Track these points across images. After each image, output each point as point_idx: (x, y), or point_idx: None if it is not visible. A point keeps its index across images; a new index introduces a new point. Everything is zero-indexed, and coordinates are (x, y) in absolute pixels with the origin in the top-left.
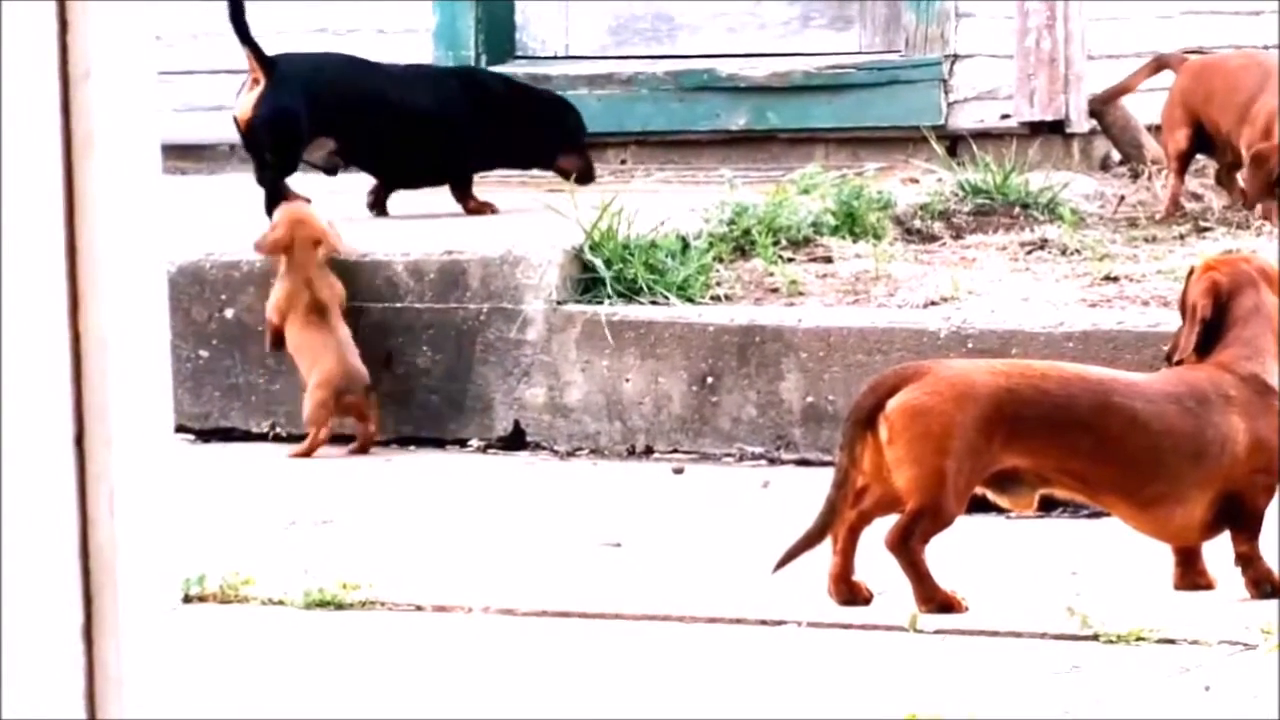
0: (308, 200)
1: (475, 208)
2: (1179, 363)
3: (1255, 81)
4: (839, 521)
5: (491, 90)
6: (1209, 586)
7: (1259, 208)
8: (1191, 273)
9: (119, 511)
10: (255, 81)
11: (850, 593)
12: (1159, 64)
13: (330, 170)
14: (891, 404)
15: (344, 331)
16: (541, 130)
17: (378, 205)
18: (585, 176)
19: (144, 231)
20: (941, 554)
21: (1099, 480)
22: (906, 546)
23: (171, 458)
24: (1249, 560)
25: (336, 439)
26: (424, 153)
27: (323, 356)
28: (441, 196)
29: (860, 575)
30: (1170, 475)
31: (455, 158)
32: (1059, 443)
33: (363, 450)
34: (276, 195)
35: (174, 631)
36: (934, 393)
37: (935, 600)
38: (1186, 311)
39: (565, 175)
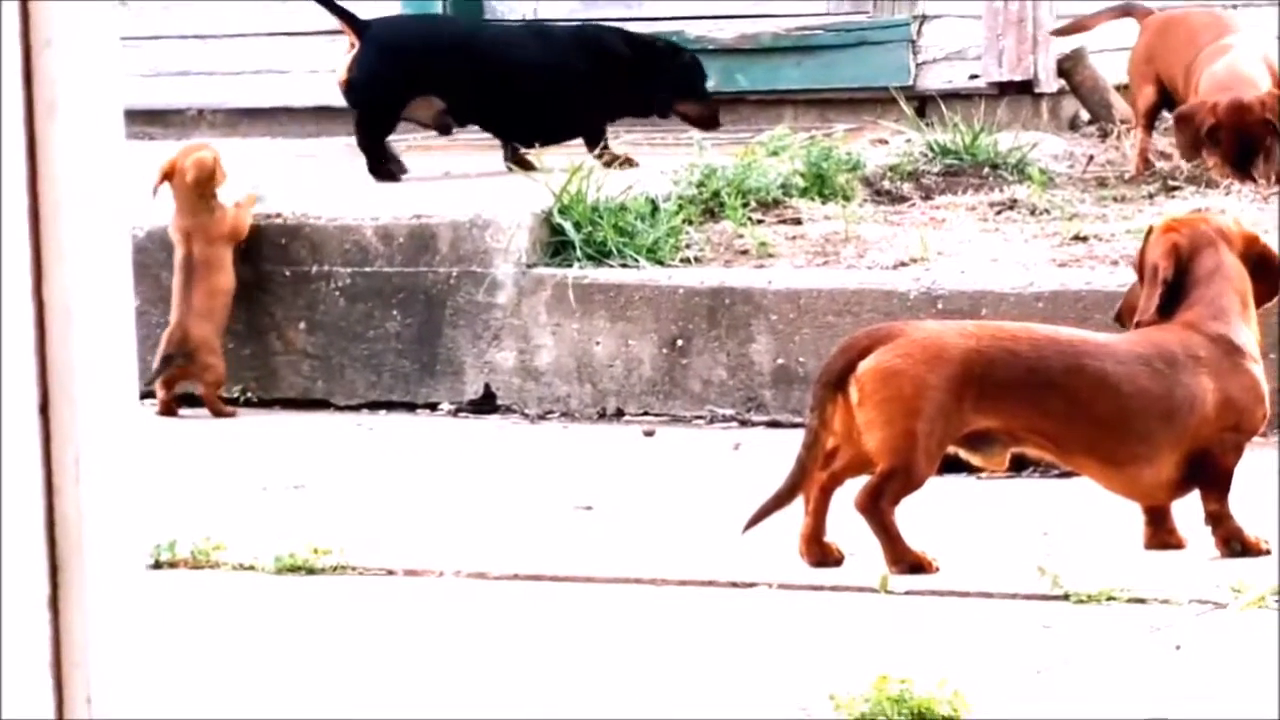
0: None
1: (609, 161)
2: (1139, 324)
3: (1203, 37)
4: (810, 482)
5: (607, 44)
6: (1179, 546)
7: (1213, 163)
8: (1150, 233)
9: (85, 480)
10: (351, 46)
11: (822, 554)
12: (1124, 10)
13: (444, 129)
14: (863, 366)
15: (199, 292)
16: (661, 79)
17: (517, 161)
18: (709, 122)
19: (107, 199)
20: (912, 515)
21: (1070, 441)
22: (876, 508)
23: (137, 425)
24: (1219, 518)
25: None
26: (543, 109)
27: (172, 311)
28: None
29: (831, 537)
30: (1140, 435)
31: (578, 113)
32: (1030, 404)
33: (213, 414)
34: (375, 155)
35: (141, 601)
36: (905, 355)
37: (905, 561)
38: (1145, 272)
39: (688, 122)
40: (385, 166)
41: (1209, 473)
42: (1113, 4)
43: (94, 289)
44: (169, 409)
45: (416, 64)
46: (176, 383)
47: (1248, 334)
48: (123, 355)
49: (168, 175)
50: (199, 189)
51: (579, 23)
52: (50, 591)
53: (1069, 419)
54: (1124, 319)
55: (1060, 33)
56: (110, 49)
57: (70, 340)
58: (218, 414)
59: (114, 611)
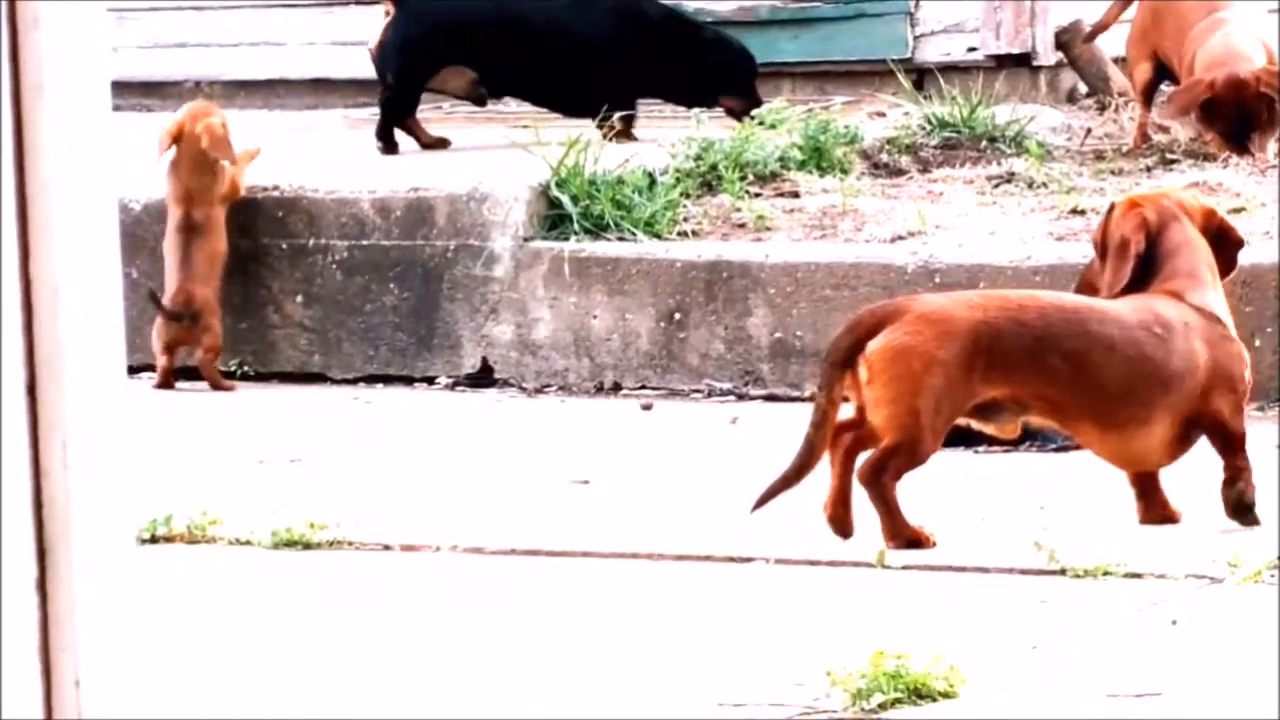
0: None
1: (611, 133)
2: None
3: (1195, 12)
4: (835, 450)
5: (651, 21)
6: (1175, 519)
7: (1211, 138)
8: (1112, 210)
9: (73, 462)
10: (387, 13)
11: (844, 517)
12: None
13: (478, 101)
14: (872, 345)
15: (201, 255)
16: (705, 67)
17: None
18: (745, 115)
19: (95, 178)
20: (910, 489)
21: (1073, 406)
22: (879, 481)
23: (126, 406)
24: (1241, 472)
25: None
26: (579, 80)
27: (168, 275)
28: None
29: (855, 511)
30: (1142, 400)
31: (610, 87)
32: (1037, 372)
33: (212, 386)
34: (391, 121)
35: (130, 583)
36: (914, 332)
37: (903, 536)
38: (1110, 248)
39: (730, 114)
40: (393, 138)
41: (1224, 439)
42: None
43: (82, 269)
44: (168, 378)
45: (449, 33)
46: (179, 346)
47: (1223, 305)
48: (111, 335)
49: (176, 138)
50: (211, 153)
51: None
52: (38, 574)
53: (1074, 385)
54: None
55: (1090, 38)
56: (98, 30)
57: (58, 320)
58: (216, 386)
59: (102, 594)
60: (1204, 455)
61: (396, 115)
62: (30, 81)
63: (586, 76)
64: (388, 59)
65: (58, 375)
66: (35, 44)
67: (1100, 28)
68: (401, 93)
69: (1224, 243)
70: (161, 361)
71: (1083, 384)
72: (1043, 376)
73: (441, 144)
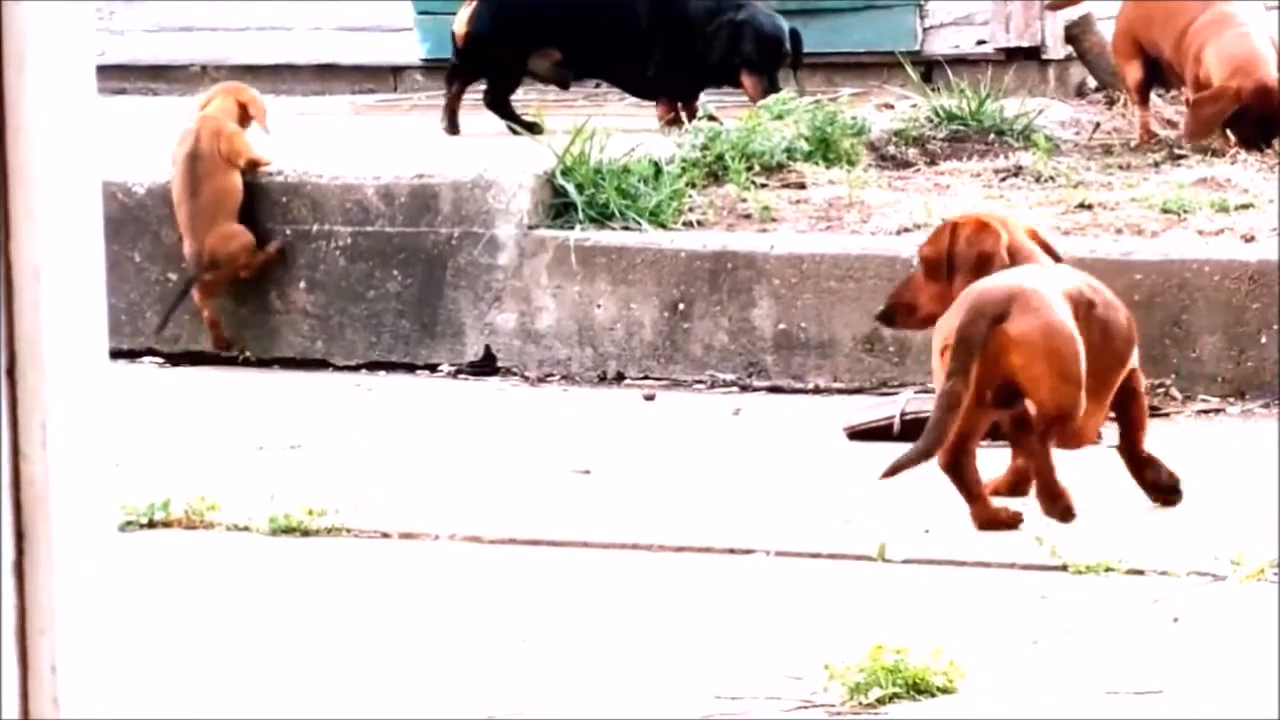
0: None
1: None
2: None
3: (1191, 8)
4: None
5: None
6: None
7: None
8: (952, 229)
9: (52, 445)
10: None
11: (1019, 486)
12: None
13: (561, 83)
14: (1019, 326)
15: (204, 200)
16: (730, 49)
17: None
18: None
19: (79, 157)
20: (913, 484)
21: (1097, 387)
22: (1044, 450)
23: (107, 388)
24: (1152, 462)
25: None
26: (662, 63)
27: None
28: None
29: (836, 506)
30: (1109, 381)
31: (677, 72)
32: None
33: (216, 346)
34: (501, 112)
35: (110, 568)
36: (1050, 310)
37: (1060, 503)
38: (961, 265)
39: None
40: (515, 121)
41: (1140, 412)
42: None
43: (64, 250)
44: (217, 327)
45: (536, 13)
46: (217, 289)
47: None
48: (92, 317)
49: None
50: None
51: None
52: (15, 557)
53: (1095, 369)
54: (896, 315)
55: (1054, 6)
56: (83, 6)
57: (39, 302)
58: (260, 263)
59: (81, 578)
60: (1208, 451)
61: (502, 103)
62: (12, 53)
63: (665, 58)
64: (477, 47)
65: (38, 357)
66: (17, 16)
67: (1064, 3)
68: (502, 79)
69: (1049, 256)
70: (207, 314)
71: (1099, 366)
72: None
73: (535, 129)
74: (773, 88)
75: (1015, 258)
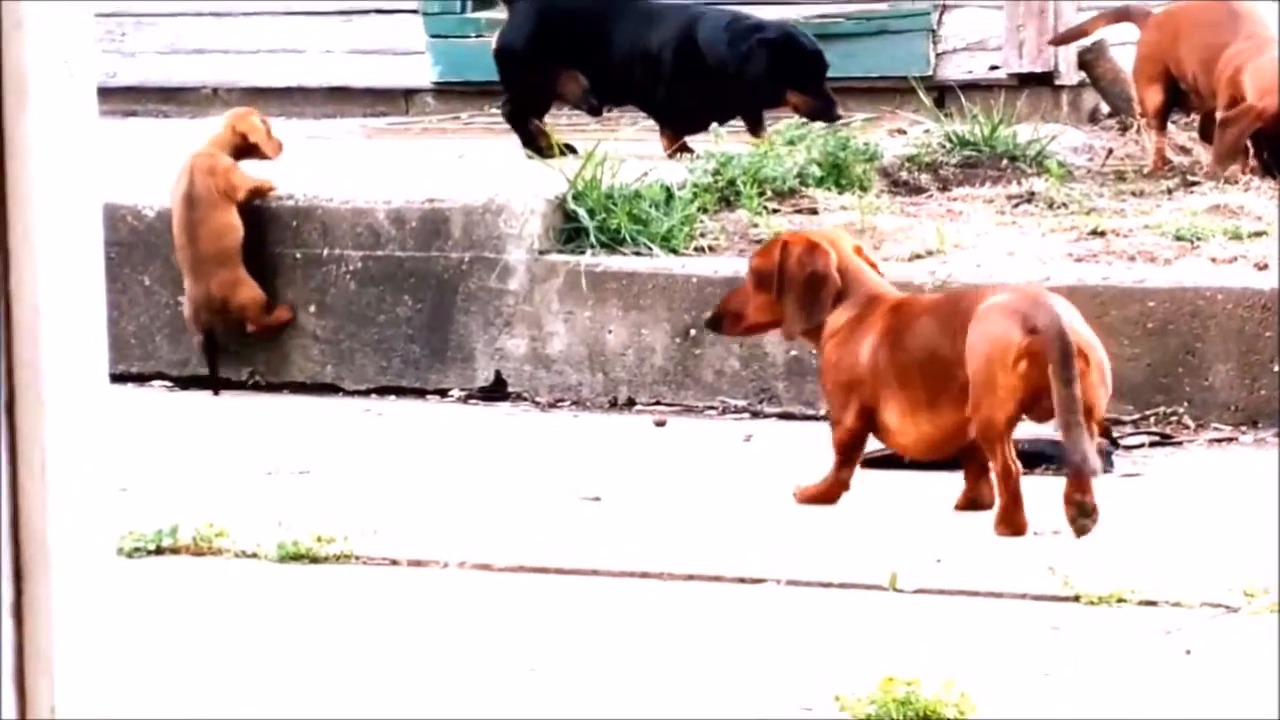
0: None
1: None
2: (801, 331)
3: (1222, 28)
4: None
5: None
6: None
7: (1231, 168)
8: (777, 246)
9: (51, 482)
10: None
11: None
12: (1121, 14)
13: (593, 110)
14: (1083, 338)
15: (203, 245)
16: (775, 68)
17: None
18: (816, 115)
19: (79, 188)
20: (924, 511)
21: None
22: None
23: (107, 424)
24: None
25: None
26: (692, 93)
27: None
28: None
29: (837, 534)
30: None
31: (687, 103)
32: None
33: (260, 328)
34: (521, 132)
35: (110, 606)
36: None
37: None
38: (793, 283)
39: (798, 113)
40: (535, 141)
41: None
42: (1110, 8)
43: (64, 283)
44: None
45: (560, 36)
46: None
47: None
48: (92, 351)
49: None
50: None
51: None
52: (14, 598)
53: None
54: (723, 321)
55: (1058, 41)
56: (84, 32)
57: (39, 336)
58: (269, 324)
59: (81, 619)
60: (1220, 480)
61: (522, 122)
62: (13, 84)
63: (694, 87)
64: (498, 64)
65: (38, 393)
66: (18, 45)
67: (1080, 33)
68: (521, 99)
69: (875, 272)
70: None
71: None
72: None
73: (568, 150)
74: (827, 105)
75: (845, 276)
